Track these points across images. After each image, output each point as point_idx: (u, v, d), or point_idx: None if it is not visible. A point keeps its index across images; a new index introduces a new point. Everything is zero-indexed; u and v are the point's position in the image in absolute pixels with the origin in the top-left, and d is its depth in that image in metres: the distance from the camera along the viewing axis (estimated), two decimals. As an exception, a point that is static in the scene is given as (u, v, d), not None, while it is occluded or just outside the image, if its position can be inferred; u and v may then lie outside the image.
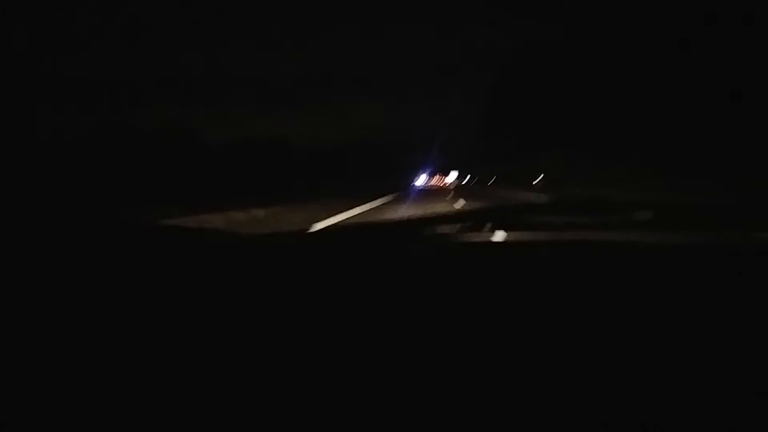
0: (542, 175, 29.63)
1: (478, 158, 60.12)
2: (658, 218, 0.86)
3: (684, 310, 0.47)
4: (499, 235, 0.85)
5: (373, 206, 11.21)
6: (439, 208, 9.22)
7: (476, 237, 0.87)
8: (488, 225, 0.88)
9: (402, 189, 32.63)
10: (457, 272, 0.62)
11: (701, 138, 13.01)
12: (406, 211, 8.74)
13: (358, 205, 10.05)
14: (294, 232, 0.93)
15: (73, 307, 0.49)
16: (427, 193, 25.49)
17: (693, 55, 14.11)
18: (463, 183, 61.21)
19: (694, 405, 0.35)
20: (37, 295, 0.49)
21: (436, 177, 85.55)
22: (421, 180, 75.25)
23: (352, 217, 7.49)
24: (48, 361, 0.41)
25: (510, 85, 35.60)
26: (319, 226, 5.10)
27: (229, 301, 0.54)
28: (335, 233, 1.02)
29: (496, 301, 0.52)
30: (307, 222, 6.39)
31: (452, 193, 20.51)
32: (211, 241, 0.75)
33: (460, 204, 10.83)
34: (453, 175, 79.90)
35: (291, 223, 6.78)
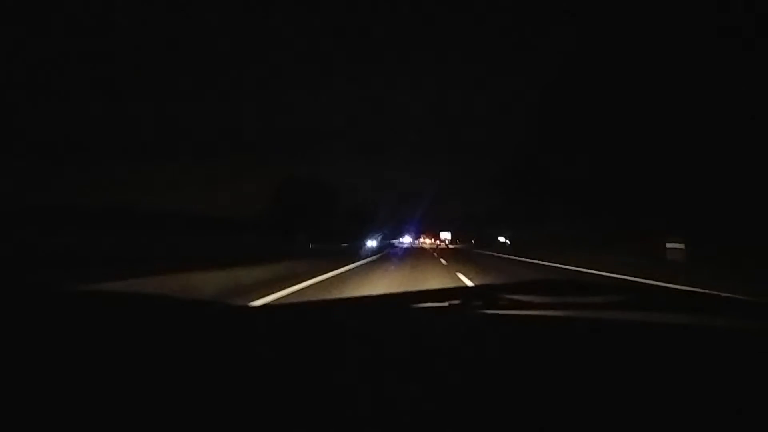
0: (508, 240, 35.82)
1: (470, 222, 62.69)
2: (630, 300, 0.90)
3: (657, 388, 0.48)
4: (485, 313, 0.88)
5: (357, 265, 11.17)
6: (429, 274, 9.18)
7: (464, 313, 0.90)
8: (477, 303, 0.92)
9: (384, 249, 32.62)
10: (444, 349, 0.63)
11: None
12: (392, 274, 8.70)
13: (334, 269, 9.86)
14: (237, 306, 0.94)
15: None
16: (413, 252, 25.53)
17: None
18: (451, 246, 61.75)
19: None
20: None
21: (422, 237, 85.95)
22: (406, 239, 75.59)
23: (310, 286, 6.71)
24: None
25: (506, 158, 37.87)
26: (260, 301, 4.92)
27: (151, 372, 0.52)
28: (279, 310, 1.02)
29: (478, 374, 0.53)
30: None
31: (437, 254, 20.63)
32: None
33: (448, 267, 10.86)
34: (444, 236, 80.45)
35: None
